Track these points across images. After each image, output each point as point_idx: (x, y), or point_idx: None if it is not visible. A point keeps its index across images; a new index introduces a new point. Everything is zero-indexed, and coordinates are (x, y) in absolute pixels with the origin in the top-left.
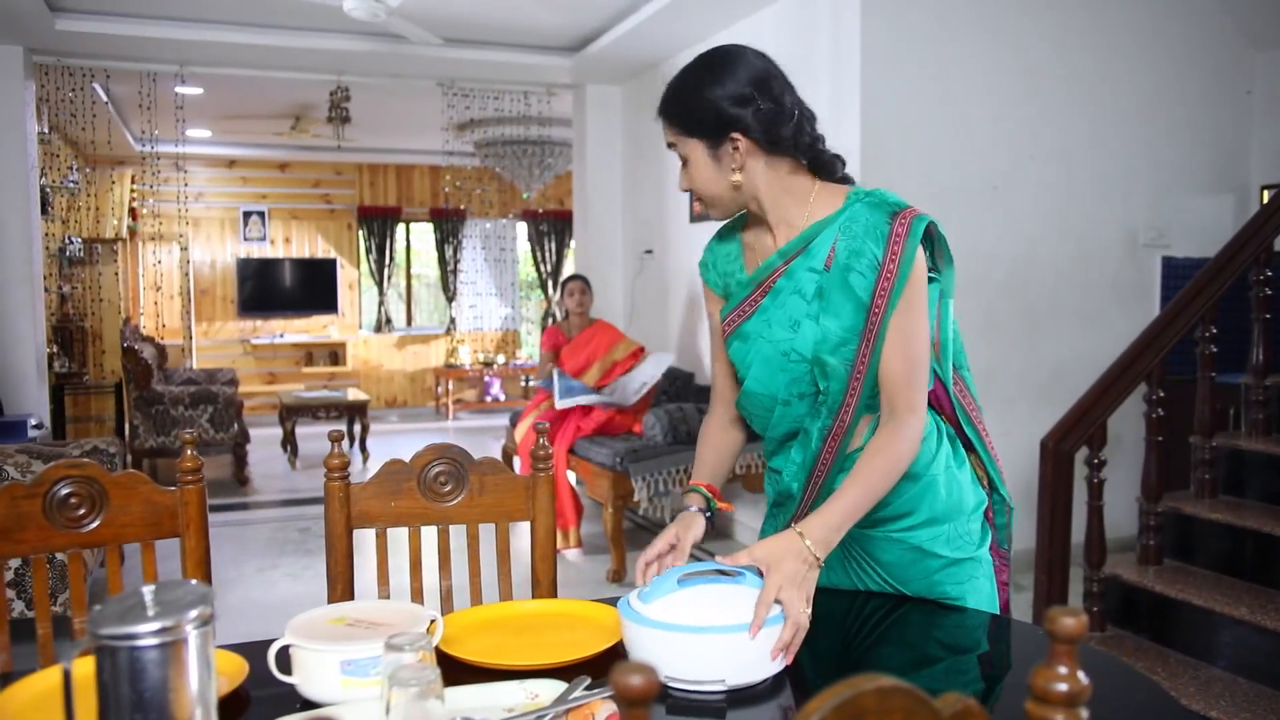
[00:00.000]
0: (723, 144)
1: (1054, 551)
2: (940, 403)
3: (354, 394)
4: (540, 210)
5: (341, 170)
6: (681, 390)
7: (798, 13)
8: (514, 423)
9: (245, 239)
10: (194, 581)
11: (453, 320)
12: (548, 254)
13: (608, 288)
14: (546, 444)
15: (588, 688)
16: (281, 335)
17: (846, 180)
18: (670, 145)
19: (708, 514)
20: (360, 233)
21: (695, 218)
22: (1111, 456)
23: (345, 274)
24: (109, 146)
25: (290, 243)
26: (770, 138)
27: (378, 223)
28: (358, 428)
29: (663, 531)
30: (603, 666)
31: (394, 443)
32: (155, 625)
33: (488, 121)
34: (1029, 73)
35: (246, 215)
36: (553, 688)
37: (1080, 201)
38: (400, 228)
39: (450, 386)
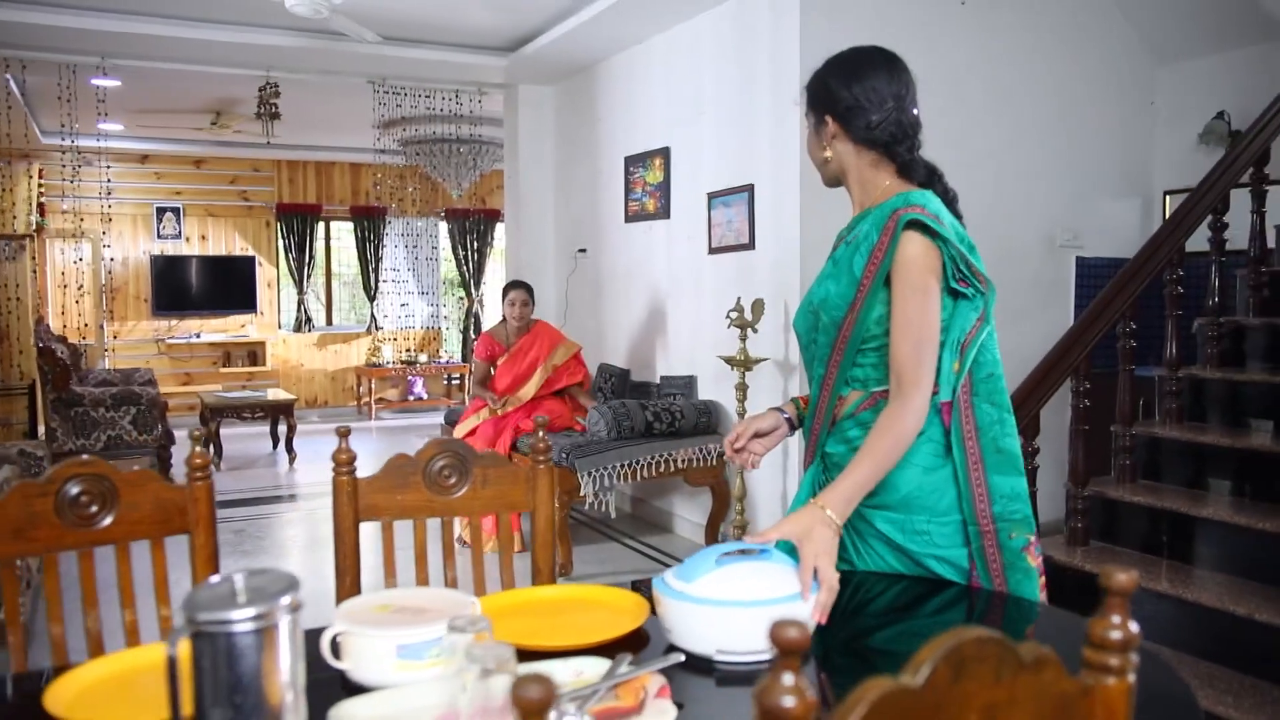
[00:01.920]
0: (820, 122)
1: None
2: (942, 415)
3: (279, 394)
4: (465, 209)
5: (259, 167)
6: (619, 386)
7: (736, 17)
8: (451, 422)
9: (159, 236)
10: (280, 569)
11: (374, 319)
12: (470, 252)
13: (540, 286)
14: (546, 436)
15: (630, 664)
16: (198, 335)
17: (936, 189)
18: (806, 112)
19: (787, 415)
20: (279, 230)
21: (630, 217)
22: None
23: (264, 272)
24: (8, 139)
25: (206, 240)
26: (851, 127)
27: (297, 220)
28: (283, 428)
29: (743, 421)
30: (633, 644)
31: (318, 443)
32: (250, 611)
33: (417, 120)
34: (957, 81)
35: (160, 212)
36: (596, 665)
37: (1004, 205)
38: (320, 226)
39: (373, 385)
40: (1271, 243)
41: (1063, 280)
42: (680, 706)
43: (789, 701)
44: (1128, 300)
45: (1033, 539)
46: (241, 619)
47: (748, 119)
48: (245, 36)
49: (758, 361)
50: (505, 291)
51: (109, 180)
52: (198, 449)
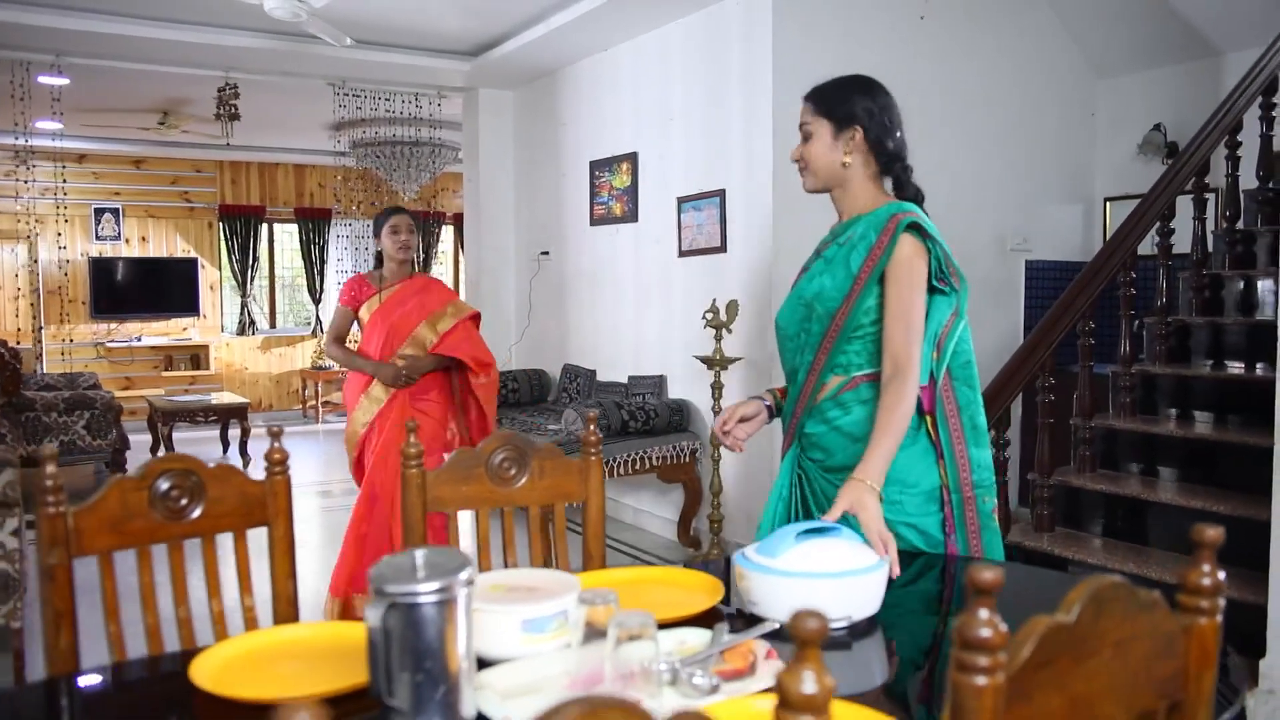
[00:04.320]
0: (845, 130)
1: None
2: (921, 397)
3: (231, 397)
4: (413, 211)
5: (201, 167)
6: (584, 386)
7: (705, 27)
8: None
9: (98, 238)
10: (455, 549)
11: (319, 321)
12: (416, 255)
13: (500, 288)
14: (597, 430)
15: (730, 632)
16: (139, 338)
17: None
18: (801, 124)
19: (768, 404)
20: (222, 232)
21: (596, 220)
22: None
23: (206, 275)
24: None
25: (147, 242)
26: (875, 143)
27: (240, 222)
28: (235, 431)
29: (729, 407)
30: (714, 618)
31: (264, 447)
32: (434, 585)
33: (372, 122)
34: (914, 91)
35: (99, 213)
36: (697, 635)
37: (959, 210)
38: (264, 227)
39: (319, 389)
40: (1211, 247)
41: (1013, 282)
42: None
43: (986, 632)
44: (1088, 301)
45: (995, 501)
46: (427, 592)
47: (719, 125)
48: (207, 37)
49: (732, 360)
50: (380, 221)
51: (34, 180)
52: (276, 444)
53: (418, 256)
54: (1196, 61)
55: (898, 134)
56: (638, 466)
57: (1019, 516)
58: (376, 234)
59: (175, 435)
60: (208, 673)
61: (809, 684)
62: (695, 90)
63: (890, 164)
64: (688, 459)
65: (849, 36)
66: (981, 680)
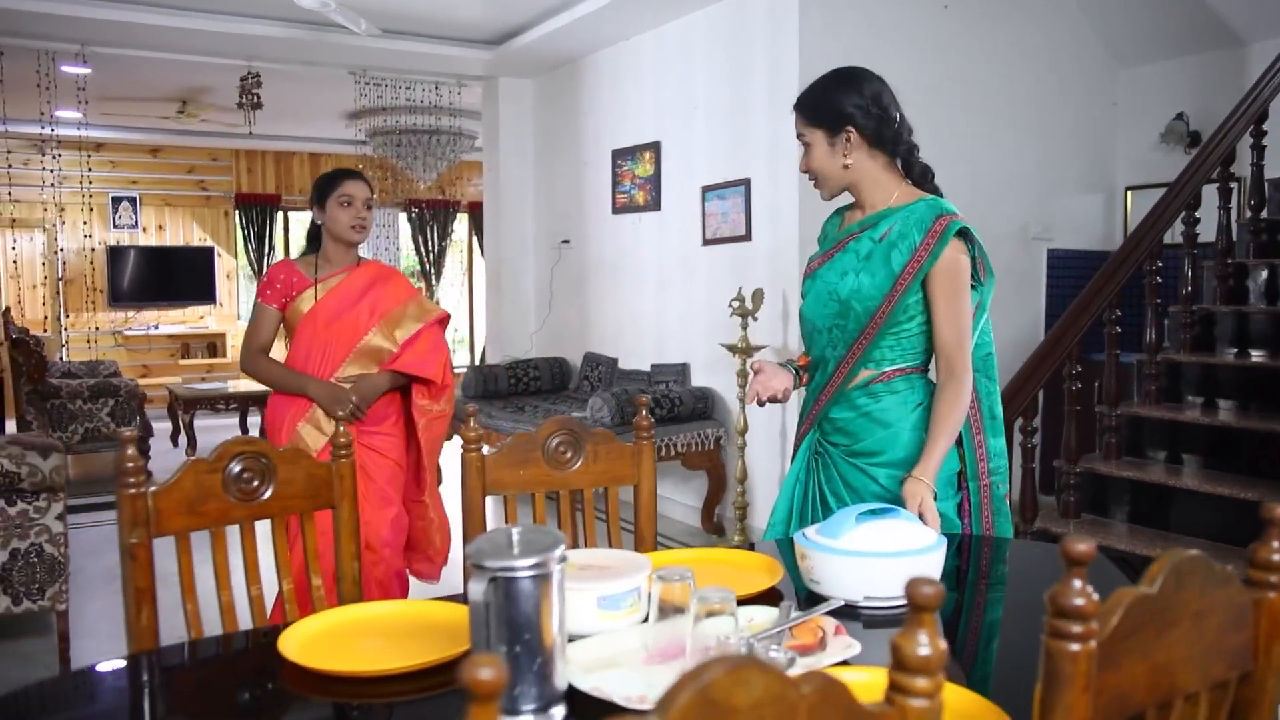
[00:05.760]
0: (839, 135)
1: None
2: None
3: (248, 385)
4: (428, 200)
5: (217, 156)
6: (606, 375)
7: (730, 17)
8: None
9: (115, 226)
10: (546, 528)
11: None
12: (430, 242)
13: (520, 276)
14: (649, 416)
15: (797, 609)
16: (156, 326)
17: (928, 187)
18: (798, 134)
19: (792, 369)
20: (238, 220)
21: (618, 209)
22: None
23: (223, 263)
24: None
25: (164, 230)
26: (874, 135)
27: (256, 210)
28: (255, 419)
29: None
30: (775, 597)
31: None
32: (531, 560)
33: (393, 110)
34: (937, 82)
35: (116, 201)
36: (764, 612)
37: (981, 199)
38: (279, 215)
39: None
40: (1235, 236)
41: (1034, 271)
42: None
43: (1080, 600)
44: (1114, 290)
45: (1007, 486)
46: (524, 567)
47: (743, 115)
48: (231, 26)
49: (758, 348)
50: (328, 187)
51: (59, 169)
52: (341, 429)
53: (429, 250)
54: (1220, 51)
55: (895, 117)
56: (662, 454)
57: (1044, 504)
58: (319, 203)
59: (195, 423)
60: (295, 646)
61: (924, 646)
62: (719, 79)
63: (895, 148)
64: (712, 446)
65: (873, 25)
66: (1075, 646)
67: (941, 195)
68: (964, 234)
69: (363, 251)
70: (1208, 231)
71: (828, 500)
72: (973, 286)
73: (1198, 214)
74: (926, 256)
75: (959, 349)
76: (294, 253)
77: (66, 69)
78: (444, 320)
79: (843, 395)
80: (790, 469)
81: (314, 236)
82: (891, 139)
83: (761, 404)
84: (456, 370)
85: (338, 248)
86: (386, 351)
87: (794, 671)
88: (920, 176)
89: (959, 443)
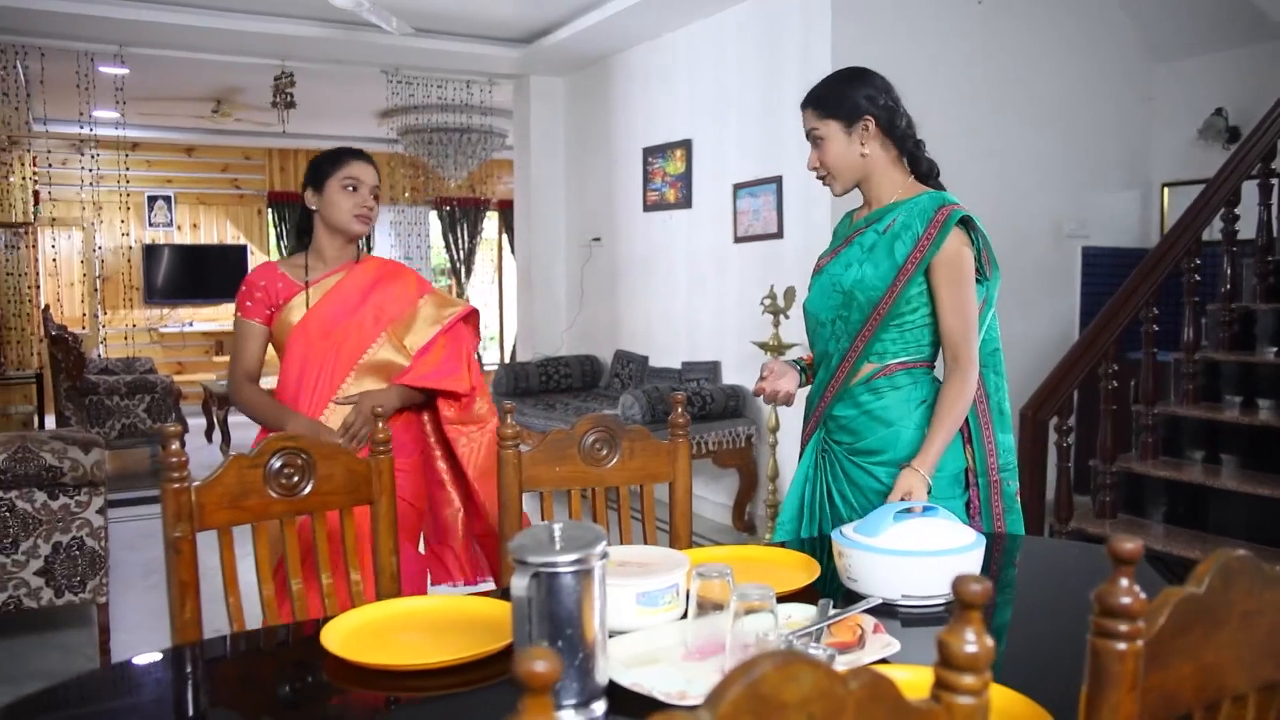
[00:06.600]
0: (856, 124)
1: (1029, 509)
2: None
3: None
4: (458, 198)
5: (251, 155)
6: (637, 373)
7: (763, 14)
8: None
9: (151, 224)
10: (587, 524)
11: None
12: (460, 240)
13: (551, 274)
14: (685, 412)
15: (834, 608)
16: (190, 324)
17: (933, 183)
18: (809, 131)
19: (799, 368)
20: (270, 219)
21: (649, 207)
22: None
23: (256, 261)
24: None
25: (198, 228)
26: (887, 126)
27: (288, 209)
28: None
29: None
30: (811, 595)
31: None
32: (573, 555)
33: (425, 108)
34: (970, 77)
35: (152, 200)
36: (802, 610)
37: (1013, 196)
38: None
39: None
40: (1276, 233)
41: (1068, 268)
42: None
43: (1127, 599)
44: (1151, 288)
45: (1017, 484)
46: (566, 563)
47: (775, 112)
48: (266, 26)
49: (789, 346)
50: (323, 166)
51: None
52: (380, 425)
53: (459, 247)
54: (1260, 44)
55: (904, 111)
56: (694, 452)
57: (1079, 504)
58: (315, 187)
59: (231, 419)
60: (337, 639)
61: (971, 644)
62: (751, 76)
63: (904, 143)
64: (744, 444)
65: (906, 21)
66: (1122, 646)
67: (945, 191)
68: (967, 224)
69: (393, 252)
70: (1247, 228)
71: (834, 499)
72: (978, 281)
73: (1237, 210)
74: (929, 246)
75: (964, 340)
76: None
77: (105, 70)
78: (468, 316)
79: (846, 392)
80: (798, 468)
81: (304, 230)
82: (901, 133)
83: (769, 403)
84: (486, 368)
85: (334, 241)
86: (398, 365)
87: (836, 669)
88: (927, 172)
89: (968, 439)
